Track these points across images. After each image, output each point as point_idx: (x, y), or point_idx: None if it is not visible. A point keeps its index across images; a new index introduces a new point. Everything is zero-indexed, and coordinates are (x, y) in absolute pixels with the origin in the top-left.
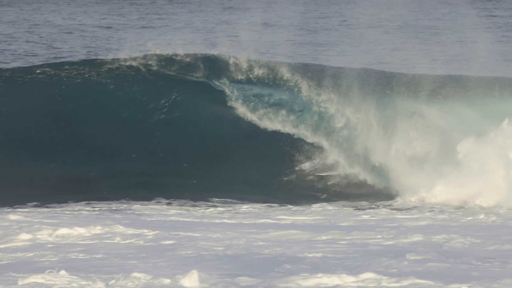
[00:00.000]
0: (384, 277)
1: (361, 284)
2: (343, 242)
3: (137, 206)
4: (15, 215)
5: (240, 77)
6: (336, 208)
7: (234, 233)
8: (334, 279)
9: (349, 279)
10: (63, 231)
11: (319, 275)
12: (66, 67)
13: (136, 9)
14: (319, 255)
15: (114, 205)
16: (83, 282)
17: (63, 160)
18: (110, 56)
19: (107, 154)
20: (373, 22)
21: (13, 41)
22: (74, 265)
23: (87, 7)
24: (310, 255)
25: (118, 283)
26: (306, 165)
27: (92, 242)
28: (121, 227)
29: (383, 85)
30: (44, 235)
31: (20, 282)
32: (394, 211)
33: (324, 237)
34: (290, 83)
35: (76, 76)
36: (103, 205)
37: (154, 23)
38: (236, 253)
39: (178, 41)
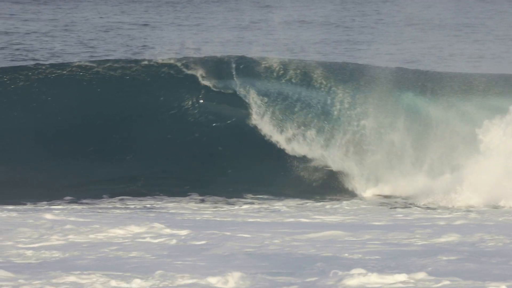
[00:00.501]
0: (421, 277)
1: (400, 285)
2: (378, 242)
3: (170, 204)
4: (50, 214)
5: (267, 77)
6: (370, 207)
7: (269, 232)
8: (372, 278)
9: (386, 280)
10: (98, 230)
11: (357, 274)
12: (108, 65)
13: (173, 7)
14: (355, 255)
15: (147, 203)
16: (120, 282)
17: (97, 158)
18: (148, 56)
19: (140, 152)
20: (410, 20)
21: (50, 39)
22: (109, 264)
23: (124, 5)
24: (347, 255)
25: (157, 283)
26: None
27: (126, 241)
28: (157, 225)
29: (419, 84)
30: (78, 234)
31: (55, 281)
32: (428, 210)
33: (359, 237)
34: (320, 84)
35: (113, 74)
36: (137, 203)
37: (191, 21)
38: (272, 252)
39: (215, 39)
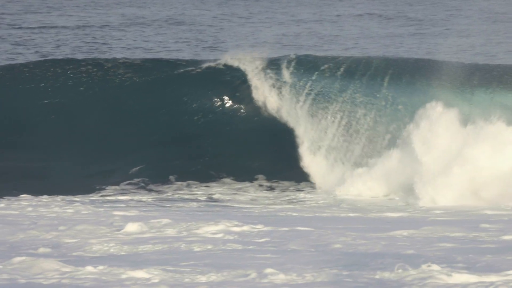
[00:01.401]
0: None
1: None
2: (445, 238)
3: (242, 198)
4: (119, 211)
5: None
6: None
7: (338, 228)
8: (457, 277)
9: (473, 278)
10: (168, 225)
11: (434, 271)
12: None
13: (243, 2)
14: (425, 252)
15: (217, 197)
16: (204, 278)
17: (166, 153)
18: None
19: (208, 147)
20: (482, 14)
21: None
22: (199, 259)
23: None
24: (416, 252)
25: (251, 279)
26: None
27: (195, 238)
28: (233, 222)
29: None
30: (149, 229)
31: (123, 276)
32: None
33: (424, 234)
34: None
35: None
36: (201, 195)
37: (256, 17)
38: (342, 248)
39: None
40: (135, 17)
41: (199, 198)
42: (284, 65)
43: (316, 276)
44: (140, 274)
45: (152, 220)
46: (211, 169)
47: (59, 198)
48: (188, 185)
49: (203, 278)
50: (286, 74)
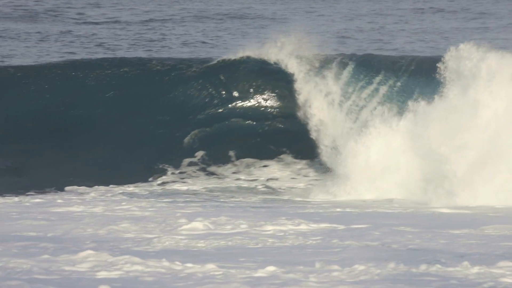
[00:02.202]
0: None
1: None
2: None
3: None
4: (180, 204)
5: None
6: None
7: (401, 226)
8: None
9: None
10: (227, 222)
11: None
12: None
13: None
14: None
15: (276, 185)
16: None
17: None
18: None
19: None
20: None
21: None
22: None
23: None
24: (493, 251)
25: (316, 275)
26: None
27: (254, 235)
28: (291, 219)
29: None
30: (210, 224)
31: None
32: None
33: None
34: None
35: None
36: (266, 187)
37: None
38: (408, 245)
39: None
40: (198, 11)
41: (257, 187)
42: (338, 65)
43: (380, 272)
44: (203, 268)
45: (213, 218)
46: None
47: (117, 192)
48: (248, 173)
49: (263, 273)
50: (341, 75)
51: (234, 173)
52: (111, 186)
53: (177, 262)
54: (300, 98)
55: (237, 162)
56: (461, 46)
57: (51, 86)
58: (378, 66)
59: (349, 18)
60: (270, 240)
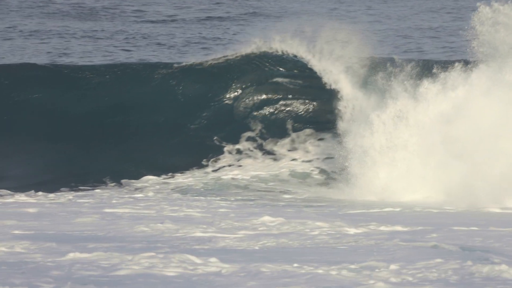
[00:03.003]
0: None
1: None
2: None
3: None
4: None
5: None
6: None
7: (455, 225)
8: None
9: None
10: (283, 222)
11: None
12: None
13: None
14: None
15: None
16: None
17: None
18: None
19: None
20: None
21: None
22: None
23: None
24: None
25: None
26: None
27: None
28: (339, 221)
29: None
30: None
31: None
32: None
33: None
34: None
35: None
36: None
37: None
38: (468, 244)
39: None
40: (257, 8)
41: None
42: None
43: (442, 271)
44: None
45: (267, 218)
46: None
47: (172, 186)
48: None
49: (322, 271)
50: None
51: (289, 150)
52: (164, 177)
53: (255, 264)
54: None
55: (294, 135)
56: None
57: (112, 83)
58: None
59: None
60: (321, 240)
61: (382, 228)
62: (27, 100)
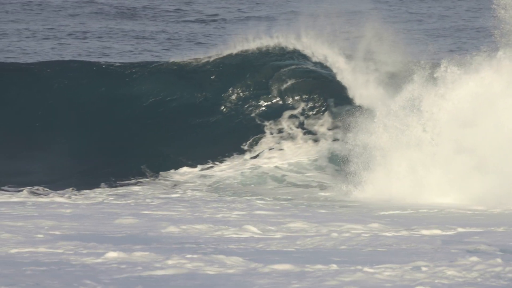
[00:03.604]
0: None
1: None
2: None
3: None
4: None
5: None
6: None
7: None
8: None
9: None
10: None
11: None
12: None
13: None
14: None
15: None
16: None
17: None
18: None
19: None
20: None
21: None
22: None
23: None
24: None
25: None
26: None
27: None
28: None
29: None
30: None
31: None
32: None
33: None
34: None
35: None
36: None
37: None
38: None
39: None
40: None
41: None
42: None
43: (484, 274)
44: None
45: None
46: None
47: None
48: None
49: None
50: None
51: (329, 129)
52: (201, 168)
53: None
54: None
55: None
56: None
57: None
58: None
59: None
60: (360, 242)
61: (422, 230)
62: (63, 97)
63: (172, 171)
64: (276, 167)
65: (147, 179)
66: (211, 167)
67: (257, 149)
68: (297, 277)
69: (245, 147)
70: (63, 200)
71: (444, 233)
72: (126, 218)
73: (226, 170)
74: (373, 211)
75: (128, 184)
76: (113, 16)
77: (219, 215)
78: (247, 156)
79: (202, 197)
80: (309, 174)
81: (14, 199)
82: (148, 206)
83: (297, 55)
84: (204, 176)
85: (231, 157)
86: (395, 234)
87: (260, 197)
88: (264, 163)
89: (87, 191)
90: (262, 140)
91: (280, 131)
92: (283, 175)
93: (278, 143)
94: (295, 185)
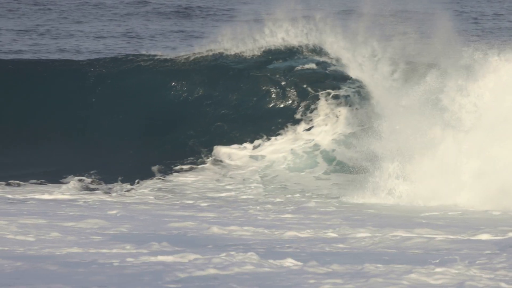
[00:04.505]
0: None
1: None
2: None
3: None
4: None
5: None
6: None
7: None
8: None
9: None
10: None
11: None
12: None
13: None
14: None
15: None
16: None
17: None
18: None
19: None
20: None
21: None
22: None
23: None
24: None
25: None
26: None
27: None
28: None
29: None
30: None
31: None
32: None
33: None
34: None
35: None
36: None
37: None
38: None
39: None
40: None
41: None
42: None
43: None
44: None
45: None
46: None
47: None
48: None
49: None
50: None
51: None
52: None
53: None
54: None
55: None
56: None
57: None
58: None
59: None
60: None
61: (468, 232)
62: (115, 92)
63: (223, 154)
64: (325, 144)
65: (196, 172)
66: (265, 141)
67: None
68: (351, 277)
69: (299, 116)
70: (110, 199)
71: (496, 237)
72: (178, 222)
73: (280, 144)
74: (416, 214)
75: (175, 179)
76: (168, 14)
77: (272, 216)
78: (301, 128)
79: (253, 199)
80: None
81: (62, 196)
82: (200, 207)
83: None
84: (254, 158)
85: (285, 128)
86: (448, 237)
87: (309, 194)
88: (316, 137)
89: (134, 186)
90: (318, 107)
91: (337, 96)
92: (333, 155)
93: (332, 109)
94: (348, 171)
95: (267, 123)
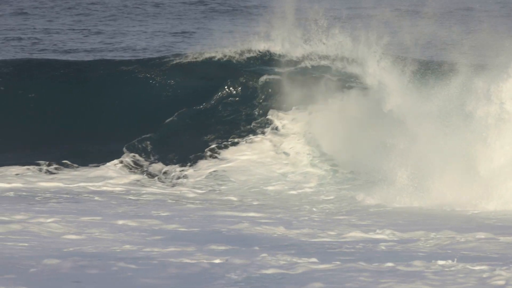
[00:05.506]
0: None
1: None
2: None
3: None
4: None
5: None
6: None
7: None
8: None
9: None
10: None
11: None
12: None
13: None
14: None
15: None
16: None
17: None
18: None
19: None
20: None
21: None
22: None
23: None
24: None
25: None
26: None
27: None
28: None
29: None
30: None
31: None
32: None
33: None
34: None
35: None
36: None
37: None
38: None
39: None
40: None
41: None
42: None
43: None
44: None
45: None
46: None
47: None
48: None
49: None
50: None
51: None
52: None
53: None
54: None
55: None
56: None
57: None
58: None
59: None
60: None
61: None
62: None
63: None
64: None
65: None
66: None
67: None
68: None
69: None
70: (159, 197)
71: None
72: (230, 224)
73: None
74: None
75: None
76: (220, 12)
77: (305, 218)
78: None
79: (293, 201)
80: None
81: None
82: (244, 208)
83: None
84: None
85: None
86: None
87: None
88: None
89: (185, 181)
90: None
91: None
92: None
93: None
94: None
95: None
